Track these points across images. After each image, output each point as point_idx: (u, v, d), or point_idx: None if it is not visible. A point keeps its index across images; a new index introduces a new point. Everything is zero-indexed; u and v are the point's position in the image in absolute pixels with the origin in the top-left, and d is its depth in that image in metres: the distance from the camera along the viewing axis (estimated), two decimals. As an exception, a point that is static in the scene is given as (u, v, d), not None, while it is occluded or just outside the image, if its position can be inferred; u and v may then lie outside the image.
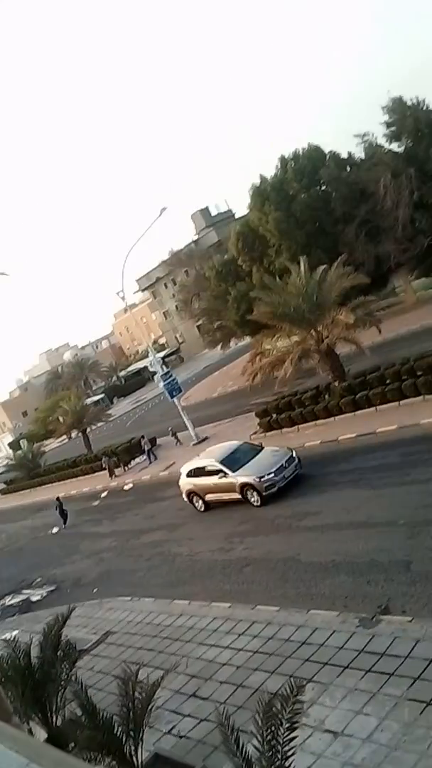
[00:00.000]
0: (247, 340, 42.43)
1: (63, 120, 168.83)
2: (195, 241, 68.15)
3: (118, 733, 8.39)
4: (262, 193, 34.75)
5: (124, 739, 8.39)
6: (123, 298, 32.60)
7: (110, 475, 32.27)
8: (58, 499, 29.76)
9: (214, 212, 71.25)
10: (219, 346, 47.84)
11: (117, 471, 32.75)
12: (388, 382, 20.48)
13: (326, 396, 22.79)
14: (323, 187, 34.30)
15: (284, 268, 30.71)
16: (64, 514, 28.54)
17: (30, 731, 10.34)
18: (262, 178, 35.36)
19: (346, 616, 10.36)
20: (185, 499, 20.32)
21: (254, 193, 35.36)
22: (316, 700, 8.44)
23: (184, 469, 20.56)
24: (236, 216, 63.13)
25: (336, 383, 22.50)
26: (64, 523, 28.53)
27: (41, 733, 10.52)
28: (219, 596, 13.65)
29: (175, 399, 30.55)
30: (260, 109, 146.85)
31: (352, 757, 7.30)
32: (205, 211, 70.87)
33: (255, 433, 25.15)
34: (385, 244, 30.30)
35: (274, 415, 24.25)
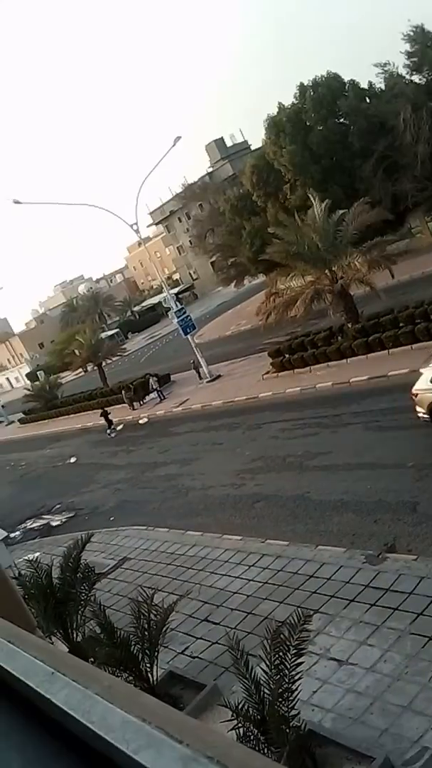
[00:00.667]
0: (262, 278, 42.04)
1: (79, 44, 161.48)
2: (209, 174, 66.39)
3: (135, 651, 9.03)
4: (277, 125, 33.55)
5: (140, 657, 9.04)
6: (137, 231, 32.13)
7: (131, 407, 32.81)
8: (103, 409, 32.07)
9: (229, 143, 68.90)
10: (233, 284, 47.42)
11: (132, 406, 33.25)
12: (401, 325, 20.46)
13: (339, 337, 22.83)
14: (341, 120, 33.09)
15: (300, 204, 30.07)
16: (108, 421, 30.76)
17: (52, 647, 11.12)
18: (280, 107, 34.06)
19: (353, 552, 10.86)
20: (425, 415, 13.75)
21: (270, 124, 34.14)
22: (322, 629, 8.99)
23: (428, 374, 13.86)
24: (252, 148, 61.14)
25: (349, 325, 22.49)
26: (109, 428, 30.69)
27: (63, 649, 11.30)
28: (230, 529, 14.24)
29: (188, 336, 30.67)
30: (280, 36, 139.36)
31: (356, 685, 7.86)
32: (220, 142, 68.56)
33: (267, 372, 25.39)
34: (403, 182, 29.48)
35: (287, 356, 24.39)
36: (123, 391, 33.50)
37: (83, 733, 0.77)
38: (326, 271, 22.61)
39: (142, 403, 33.04)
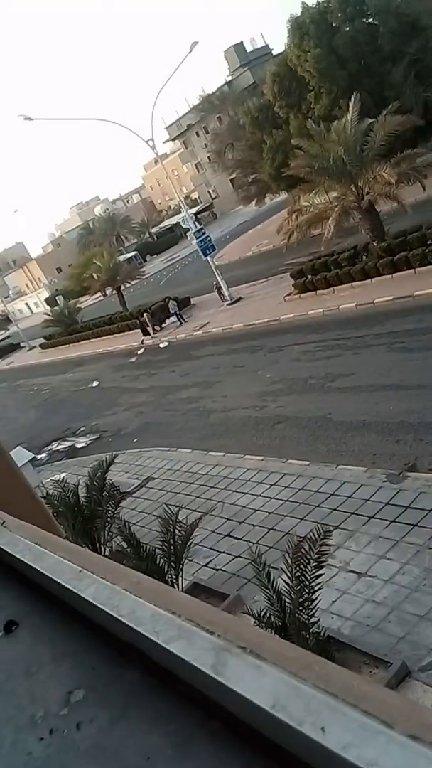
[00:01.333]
0: (283, 195, 40.62)
1: None
2: (228, 83, 63.02)
3: (161, 563, 9.41)
4: (301, 26, 31.28)
5: (165, 569, 9.43)
6: (153, 147, 30.99)
7: (152, 332, 32.74)
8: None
9: (249, 49, 64.94)
10: (254, 202, 46.00)
11: (153, 330, 33.12)
12: (429, 243, 19.76)
13: (364, 257, 22.22)
14: (370, 20, 30.78)
15: (325, 114, 28.56)
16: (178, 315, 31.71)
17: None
18: (304, 6, 31.70)
19: (374, 471, 10.98)
20: None
21: (293, 26, 31.82)
22: (342, 544, 9.23)
23: None
24: (274, 53, 57.61)
25: (374, 243, 21.82)
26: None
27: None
28: (252, 450, 14.45)
29: (208, 258, 30.11)
30: None
31: (374, 595, 8.14)
32: (239, 47, 64.59)
33: (290, 294, 24.98)
34: (437, 88, 27.69)
35: (310, 276, 23.88)
36: (145, 315, 33.32)
37: (113, 627, 0.78)
38: (352, 186, 21.72)
39: (162, 327, 32.92)
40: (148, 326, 33.03)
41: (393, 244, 20.94)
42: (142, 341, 32.83)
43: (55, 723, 0.76)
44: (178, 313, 31.90)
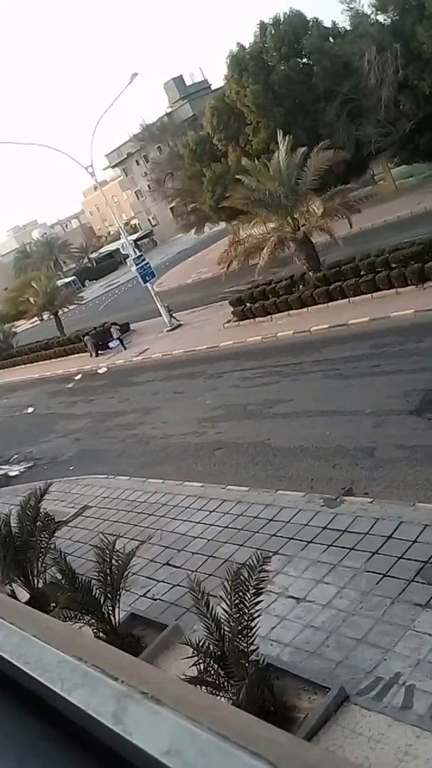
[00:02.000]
0: (222, 225, 41.35)
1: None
2: (168, 114, 64.04)
3: (97, 595, 9.14)
4: (240, 62, 32.37)
5: (102, 600, 9.16)
6: (92, 174, 30.99)
7: (95, 354, 32.30)
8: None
9: (189, 82, 66.41)
10: (193, 231, 46.56)
11: (93, 353, 32.73)
12: (362, 273, 20.52)
13: (300, 286, 22.80)
14: (305, 60, 32.16)
15: (262, 148, 29.40)
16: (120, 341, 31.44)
17: (13, 593, 11.19)
18: (240, 46, 32.81)
19: (312, 496, 11.10)
20: None
21: (231, 62, 32.88)
22: (281, 570, 9.24)
23: None
24: (213, 88, 59.12)
25: (310, 273, 22.44)
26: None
27: (24, 595, 11.38)
28: (192, 476, 14.37)
29: (148, 284, 30.16)
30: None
31: (313, 620, 8.16)
32: (179, 80, 65.99)
33: (228, 321, 25.29)
34: (367, 127, 29.01)
35: (248, 304, 24.29)
36: (85, 338, 32.91)
37: (17, 676, 0.75)
38: (288, 218, 22.36)
39: (104, 351, 32.54)
40: (87, 350, 32.69)
41: (328, 275, 21.60)
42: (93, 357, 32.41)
43: None
44: (120, 337, 31.70)
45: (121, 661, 0.70)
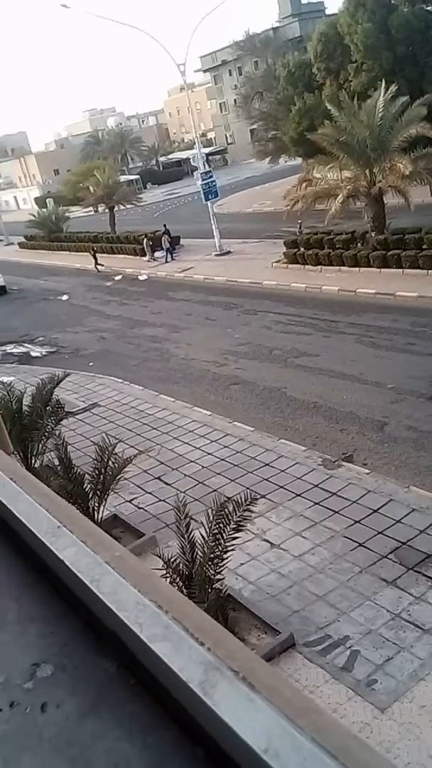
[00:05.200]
0: (298, 161, 39.89)
1: None
2: (275, 29, 60.73)
3: (87, 488, 9.51)
4: (360, -5, 30.29)
5: (90, 495, 9.54)
6: (183, 73, 29.70)
7: (152, 258, 32.13)
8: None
9: (304, 0, 62.51)
10: (268, 159, 45.04)
11: (152, 257, 32.54)
12: (424, 247, 19.88)
13: (359, 244, 22.20)
14: (429, 7, 29.93)
15: (360, 91, 27.91)
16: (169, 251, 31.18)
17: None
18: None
19: (312, 453, 11.26)
20: None
21: (351, -9, 30.80)
22: (264, 513, 9.51)
23: None
24: (327, 12, 55.60)
25: (373, 234, 21.78)
26: (169, 255, 31.12)
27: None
28: (202, 403, 14.57)
29: (209, 203, 29.51)
30: None
31: (281, 567, 8.46)
32: (296, -5, 62.14)
33: (278, 261, 24.85)
34: None
35: (302, 249, 23.77)
36: (145, 240, 32.66)
37: (91, 602, 0.70)
38: (367, 170, 21.48)
39: (153, 258, 32.28)
40: (146, 253, 32.56)
41: (390, 240, 20.95)
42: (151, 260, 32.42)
43: (16, 695, 0.68)
44: (170, 248, 31.33)
45: (204, 623, 0.64)
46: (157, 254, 32.09)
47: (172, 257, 31.04)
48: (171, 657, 0.59)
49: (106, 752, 0.60)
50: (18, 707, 0.66)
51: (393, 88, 21.38)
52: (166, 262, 30.79)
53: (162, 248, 31.69)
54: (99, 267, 33.28)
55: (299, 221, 25.53)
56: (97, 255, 33.73)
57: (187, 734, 0.59)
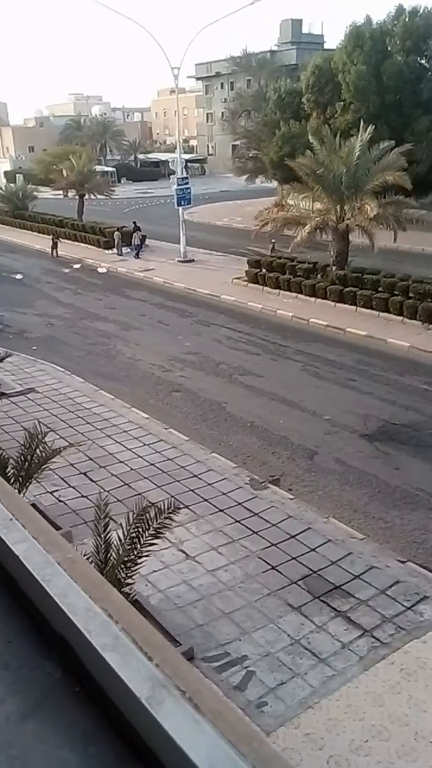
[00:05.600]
0: (275, 184, 40.53)
1: None
2: (272, 52, 61.77)
3: (9, 473, 9.28)
4: (359, 36, 31.27)
5: (12, 481, 9.30)
6: (176, 77, 29.74)
7: (120, 253, 31.72)
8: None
9: (306, 30, 64.01)
10: (245, 177, 45.58)
11: (118, 252, 32.21)
12: (380, 289, 20.51)
13: (319, 275, 22.69)
14: (423, 61, 31.16)
15: (344, 129, 28.67)
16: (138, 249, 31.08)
17: None
18: (366, 20, 31.64)
19: (241, 471, 11.36)
20: None
21: (351, 32, 31.76)
22: (184, 523, 9.51)
23: None
24: (325, 46, 57.02)
25: (333, 268, 22.31)
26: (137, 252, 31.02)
27: None
28: (141, 405, 14.49)
29: (180, 208, 29.57)
30: None
31: (192, 580, 8.48)
32: (297, 24, 63.57)
33: (239, 278, 25.11)
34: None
35: (264, 271, 24.12)
36: (116, 233, 32.29)
37: (39, 600, 0.68)
38: (338, 206, 22.04)
39: (120, 253, 31.95)
40: (113, 246, 32.20)
41: (349, 276, 21.51)
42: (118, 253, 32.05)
43: None
44: (139, 246, 31.13)
45: (151, 637, 0.62)
46: (124, 249, 31.86)
47: (139, 256, 30.86)
48: (120, 668, 0.58)
49: (45, 757, 0.58)
50: None
51: (371, 129, 22.01)
52: (136, 258, 30.56)
53: (131, 244, 31.50)
54: (56, 253, 32.66)
55: (273, 240, 25.92)
56: (58, 243, 33.07)
57: (130, 747, 0.58)
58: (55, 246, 32.78)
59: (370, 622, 7.79)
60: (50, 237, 33.78)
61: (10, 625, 0.70)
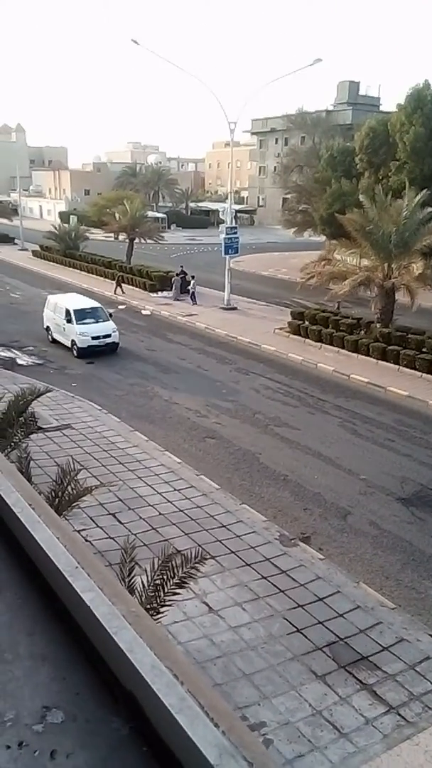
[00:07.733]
0: (322, 238, 40.97)
1: None
2: (328, 112, 63.35)
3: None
4: (419, 99, 31.92)
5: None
6: (232, 131, 30.71)
7: (174, 298, 32.43)
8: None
9: (363, 92, 65.65)
10: (293, 230, 46.22)
11: (119, 290, 33.30)
12: (424, 350, 20.25)
13: (363, 332, 22.59)
14: None
15: (396, 188, 28.97)
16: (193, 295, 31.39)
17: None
18: (426, 84, 32.34)
19: (271, 525, 11.12)
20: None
21: (411, 95, 32.44)
22: (210, 575, 9.29)
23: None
24: (381, 108, 58.31)
25: (378, 325, 22.20)
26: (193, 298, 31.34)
27: None
28: (174, 450, 14.44)
29: (227, 257, 30.07)
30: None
31: (214, 635, 8.22)
32: (354, 86, 65.22)
33: (281, 328, 25.19)
34: None
35: (307, 323, 24.15)
36: (175, 277, 33.12)
37: (106, 652, 0.67)
38: (385, 264, 22.09)
39: (176, 297, 32.48)
40: (119, 284, 33.54)
41: (393, 335, 21.35)
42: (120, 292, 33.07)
43: (26, 736, 0.65)
44: (194, 292, 31.54)
45: (216, 703, 0.61)
46: (164, 293, 32.45)
47: (195, 301, 31.23)
48: (190, 732, 0.56)
49: None
50: (27, 748, 0.64)
51: (425, 192, 22.22)
52: (193, 304, 30.91)
53: (185, 290, 32.11)
54: (122, 290, 33.51)
55: (338, 301, 26.03)
56: (122, 283, 33.96)
57: None
58: (119, 284, 33.70)
59: (397, 698, 7.39)
60: (114, 279, 34.78)
61: (78, 675, 0.70)
